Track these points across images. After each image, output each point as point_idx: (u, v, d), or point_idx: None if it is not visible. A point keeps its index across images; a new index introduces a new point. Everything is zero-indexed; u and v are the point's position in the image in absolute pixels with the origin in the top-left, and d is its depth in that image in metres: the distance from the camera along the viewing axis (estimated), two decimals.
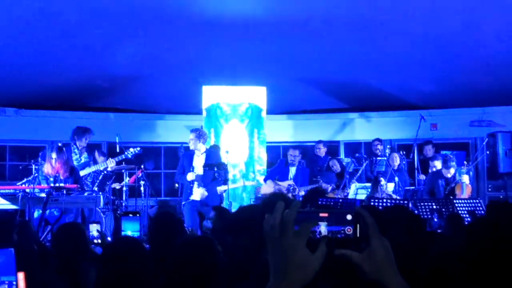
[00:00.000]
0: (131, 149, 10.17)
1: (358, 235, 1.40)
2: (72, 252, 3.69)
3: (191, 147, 9.83)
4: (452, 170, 10.51)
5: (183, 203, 9.69)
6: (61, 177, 8.82)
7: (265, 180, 11.51)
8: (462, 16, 10.65)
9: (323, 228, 1.40)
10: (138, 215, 5.38)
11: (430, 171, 11.28)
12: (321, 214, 1.41)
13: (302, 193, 10.83)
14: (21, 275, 3.25)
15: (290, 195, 10.72)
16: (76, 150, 10.10)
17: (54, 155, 8.88)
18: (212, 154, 10.05)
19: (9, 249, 3.25)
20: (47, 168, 8.88)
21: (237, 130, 12.50)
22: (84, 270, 3.63)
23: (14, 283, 3.21)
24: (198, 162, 9.75)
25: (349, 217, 1.40)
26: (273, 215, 1.39)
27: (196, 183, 9.57)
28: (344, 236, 1.40)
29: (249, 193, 11.96)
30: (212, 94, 12.63)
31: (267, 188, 11.08)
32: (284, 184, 10.95)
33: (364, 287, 1.47)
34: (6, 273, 3.21)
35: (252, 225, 3.19)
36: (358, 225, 1.40)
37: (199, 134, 9.92)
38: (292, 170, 11.17)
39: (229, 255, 3.38)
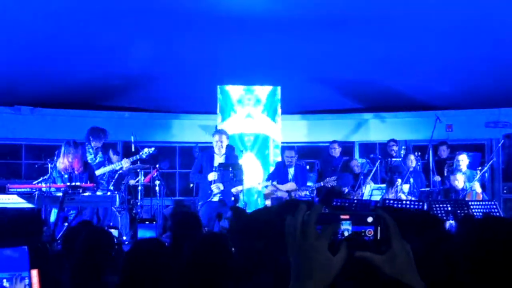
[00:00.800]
0: (146, 150, 10.18)
1: (378, 237, 1.40)
2: (97, 258, 3.70)
3: (222, 149, 9.79)
4: (460, 177, 10.30)
5: (200, 203, 9.67)
6: (76, 172, 8.85)
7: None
8: (479, 16, 10.59)
9: (346, 227, 1.41)
10: (154, 222, 5.38)
11: (445, 173, 11.22)
12: (342, 216, 1.41)
13: (305, 193, 10.85)
14: (34, 272, 3.27)
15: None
16: (91, 150, 10.11)
17: (70, 150, 8.92)
18: (232, 155, 10.07)
19: (23, 246, 3.28)
20: (61, 164, 8.91)
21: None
22: (106, 277, 3.65)
23: (28, 279, 3.23)
24: (218, 162, 9.78)
25: (370, 219, 1.41)
26: (294, 218, 1.40)
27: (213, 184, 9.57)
28: (365, 237, 1.40)
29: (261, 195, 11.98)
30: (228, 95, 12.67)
31: (267, 191, 11.08)
32: (285, 187, 10.92)
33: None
34: (19, 269, 3.24)
35: (264, 228, 3.20)
36: (379, 227, 1.40)
37: (227, 136, 10.00)
38: (291, 171, 11.14)
39: (242, 256, 3.39)
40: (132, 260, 3.21)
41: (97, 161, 10.11)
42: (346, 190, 10.96)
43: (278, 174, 11.25)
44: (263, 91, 12.72)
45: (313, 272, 1.36)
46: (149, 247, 3.26)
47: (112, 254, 4.17)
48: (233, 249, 3.34)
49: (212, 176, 9.53)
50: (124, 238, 6.98)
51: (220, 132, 10.10)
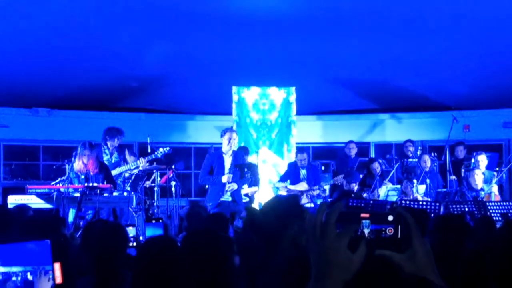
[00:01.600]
0: (161, 149, 10.22)
1: (399, 235, 1.40)
2: (111, 253, 3.73)
3: (232, 147, 9.79)
4: (479, 174, 10.24)
5: (209, 204, 9.64)
6: (91, 173, 8.92)
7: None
8: (495, 16, 10.55)
9: (366, 226, 1.41)
10: (161, 220, 5.44)
11: (462, 173, 11.16)
12: (362, 215, 1.42)
13: (317, 192, 10.87)
14: (57, 266, 3.31)
15: (305, 198, 10.75)
16: (106, 151, 10.16)
17: (85, 152, 8.98)
18: (239, 155, 10.04)
19: (46, 240, 3.31)
20: (77, 165, 8.98)
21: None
22: (121, 273, 3.68)
23: (51, 273, 3.27)
24: (228, 163, 9.77)
25: (390, 218, 1.41)
26: (315, 217, 1.41)
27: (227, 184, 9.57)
28: (385, 236, 1.41)
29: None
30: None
31: (280, 192, 11.11)
32: (296, 188, 10.93)
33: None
34: (43, 263, 3.28)
35: (269, 226, 3.22)
36: (399, 226, 1.40)
37: (237, 133, 10.02)
38: (303, 172, 11.17)
39: (251, 254, 3.41)
40: (143, 257, 3.25)
41: (113, 161, 10.16)
42: (356, 188, 10.95)
43: (290, 175, 11.27)
44: (278, 95, 12.75)
45: (332, 271, 1.37)
46: (160, 244, 3.30)
47: (127, 249, 4.22)
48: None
49: (225, 178, 9.52)
50: (141, 238, 7.02)
51: (231, 130, 10.08)
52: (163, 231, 6.13)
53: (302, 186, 10.95)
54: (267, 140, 12.63)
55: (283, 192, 11.00)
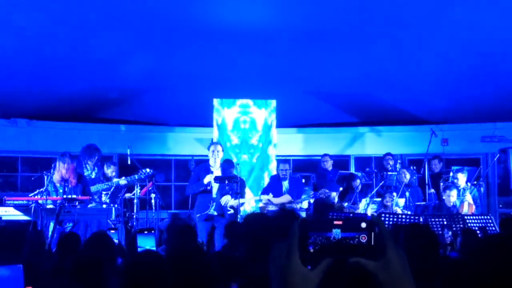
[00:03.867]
0: (144, 170, 10.18)
1: (372, 243, 1.40)
2: (99, 261, 3.70)
3: (218, 159, 9.84)
4: (454, 194, 10.33)
5: (197, 215, 9.64)
6: (70, 185, 8.87)
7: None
8: (473, 32, 10.67)
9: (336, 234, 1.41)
10: (153, 231, 5.39)
11: (441, 187, 11.23)
12: (335, 222, 1.42)
13: (300, 206, 10.84)
14: None
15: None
16: (88, 167, 10.13)
17: (65, 163, 8.94)
18: (227, 168, 10.08)
19: (18, 265, 3.26)
20: (57, 176, 8.93)
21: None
22: (109, 280, 3.65)
23: None
24: (216, 175, 9.81)
25: (363, 225, 1.41)
26: (289, 237, 1.41)
27: (213, 202, 9.59)
28: (359, 243, 1.40)
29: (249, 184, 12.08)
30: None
31: (261, 204, 11.08)
32: (279, 200, 10.91)
33: None
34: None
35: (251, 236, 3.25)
36: (372, 233, 1.40)
37: (223, 148, 10.06)
38: (285, 184, 11.14)
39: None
40: (133, 274, 3.23)
41: (93, 176, 10.11)
42: (336, 199, 10.99)
43: (272, 187, 11.24)
44: (259, 114, 12.77)
45: None
46: (150, 260, 3.27)
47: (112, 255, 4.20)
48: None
49: (208, 178, 9.55)
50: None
51: (216, 143, 10.17)
52: (155, 242, 6.07)
53: (286, 198, 10.92)
54: (247, 169, 12.57)
55: (265, 205, 10.97)
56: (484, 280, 1.91)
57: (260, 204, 11.08)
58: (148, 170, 10.15)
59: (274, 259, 1.41)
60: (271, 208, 10.79)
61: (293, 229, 1.40)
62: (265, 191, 11.29)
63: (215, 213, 9.55)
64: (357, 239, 1.39)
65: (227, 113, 12.75)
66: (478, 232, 7.96)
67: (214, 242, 9.12)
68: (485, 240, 2.12)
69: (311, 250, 1.39)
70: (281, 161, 11.55)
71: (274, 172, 12.02)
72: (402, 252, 1.42)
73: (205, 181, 9.57)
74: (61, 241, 5.43)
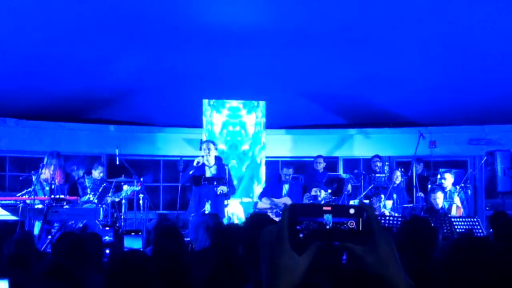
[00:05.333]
0: (130, 188, 10.25)
1: (360, 228, 1.43)
2: (81, 260, 3.71)
3: (210, 157, 9.91)
4: (440, 196, 10.38)
5: (192, 215, 9.67)
6: (57, 183, 8.87)
7: (260, 197, 11.48)
8: (463, 34, 10.73)
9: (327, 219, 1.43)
10: (140, 233, 5.40)
11: (428, 189, 11.28)
12: (324, 208, 1.43)
13: None
14: None
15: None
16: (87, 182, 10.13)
17: (53, 161, 8.94)
18: (222, 166, 10.17)
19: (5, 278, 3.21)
20: (45, 174, 8.93)
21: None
22: (90, 279, 3.65)
23: None
24: (209, 174, 9.89)
25: (352, 211, 1.42)
26: (280, 221, 1.43)
27: (208, 200, 9.64)
28: (347, 228, 1.42)
29: (246, 209, 12.00)
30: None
31: (263, 204, 11.11)
32: (280, 201, 10.96)
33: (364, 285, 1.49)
34: None
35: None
36: (360, 219, 1.43)
37: (216, 146, 10.12)
38: (286, 187, 11.20)
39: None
40: (117, 273, 3.23)
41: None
42: (323, 194, 11.01)
43: (272, 189, 11.30)
44: (249, 119, 12.78)
45: (279, 275, 1.39)
46: (135, 260, 3.28)
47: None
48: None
49: (196, 161, 9.64)
50: (108, 251, 6.96)
51: (208, 141, 10.23)
52: (142, 244, 6.05)
53: (286, 200, 10.97)
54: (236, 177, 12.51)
55: (266, 205, 11.00)
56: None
57: (260, 204, 11.13)
58: (136, 187, 10.23)
59: (264, 243, 1.43)
60: (268, 206, 10.87)
61: (283, 213, 1.43)
62: (265, 193, 11.33)
63: (208, 212, 9.57)
64: (345, 225, 1.41)
65: (216, 117, 12.73)
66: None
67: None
68: (453, 243, 2.15)
69: (301, 236, 1.41)
70: (286, 165, 11.61)
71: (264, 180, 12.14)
72: (389, 237, 1.43)
73: (195, 162, 9.68)
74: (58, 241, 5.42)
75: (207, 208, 9.63)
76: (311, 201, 10.91)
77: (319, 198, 10.93)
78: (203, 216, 9.54)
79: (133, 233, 5.39)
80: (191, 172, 9.97)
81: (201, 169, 9.93)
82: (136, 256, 3.32)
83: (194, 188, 9.91)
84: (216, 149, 10.19)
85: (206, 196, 9.70)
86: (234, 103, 12.82)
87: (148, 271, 3.20)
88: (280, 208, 10.85)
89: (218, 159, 10.50)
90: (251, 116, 12.81)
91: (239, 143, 12.77)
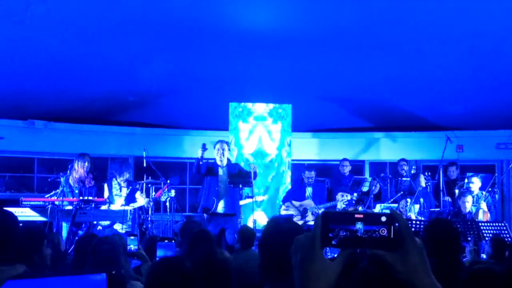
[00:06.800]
0: (166, 194, 10.31)
1: (392, 236, 1.44)
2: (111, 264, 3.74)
3: (223, 157, 9.89)
4: (470, 200, 10.32)
5: (205, 215, 9.68)
6: (86, 185, 8.97)
7: (283, 201, 11.45)
8: (490, 38, 10.64)
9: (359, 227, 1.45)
10: (173, 241, 5.39)
11: (456, 194, 11.20)
12: (356, 216, 1.45)
13: (321, 211, 10.75)
14: None
15: (310, 216, 10.74)
16: (116, 185, 10.15)
17: (82, 164, 9.03)
18: (233, 166, 10.17)
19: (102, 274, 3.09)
20: (74, 177, 9.03)
21: None
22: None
23: None
24: (222, 173, 9.88)
25: (383, 218, 1.44)
26: (313, 228, 1.45)
27: (222, 199, 9.62)
28: (378, 236, 1.44)
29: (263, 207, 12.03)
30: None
31: (285, 208, 11.12)
32: (302, 204, 10.93)
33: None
34: None
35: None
36: (392, 227, 1.44)
37: (229, 147, 10.12)
38: (309, 189, 11.18)
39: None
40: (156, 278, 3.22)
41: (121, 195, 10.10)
42: (349, 197, 10.97)
43: (295, 192, 11.29)
44: (275, 128, 12.78)
45: (310, 281, 1.41)
46: (174, 268, 3.24)
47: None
48: None
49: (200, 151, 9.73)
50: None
51: (222, 141, 10.20)
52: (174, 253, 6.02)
53: (309, 203, 10.95)
54: (262, 187, 12.50)
55: (289, 210, 11.00)
56: None
57: (283, 208, 11.14)
58: (172, 193, 10.26)
59: (296, 250, 1.46)
60: (292, 211, 10.85)
61: (316, 221, 1.45)
62: (288, 196, 11.32)
63: (222, 211, 9.57)
64: (377, 232, 1.43)
65: (242, 125, 12.76)
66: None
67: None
68: None
69: (333, 243, 1.43)
70: (307, 168, 11.60)
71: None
72: (420, 244, 1.45)
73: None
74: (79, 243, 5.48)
75: (220, 208, 9.61)
76: (346, 205, 10.88)
77: (345, 201, 10.90)
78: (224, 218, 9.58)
79: (166, 240, 5.34)
80: (201, 163, 9.95)
81: (216, 167, 9.92)
82: (175, 264, 3.30)
83: (207, 185, 9.86)
84: (229, 150, 10.14)
85: (218, 194, 9.65)
86: (260, 108, 12.77)
87: (188, 278, 3.19)
88: (300, 212, 10.84)
89: (230, 161, 10.53)
90: (277, 125, 12.79)
91: (265, 152, 12.71)
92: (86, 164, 9.07)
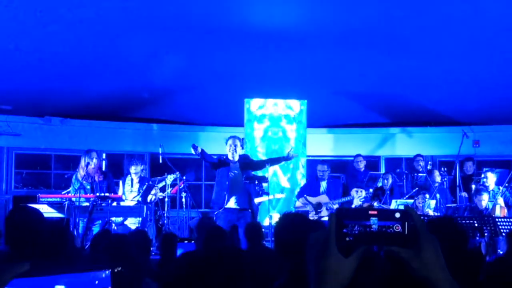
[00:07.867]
0: (171, 176, 10.30)
1: (406, 232, 1.44)
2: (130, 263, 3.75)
3: (235, 153, 9.83)
4: (486, 197, 10.26)
5: (215, 212, 9.66)
6: (96, 180, 9.02)
7: (297, 196, 11.38)
8: (507, 33, 10.56)
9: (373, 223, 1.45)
10: (193, 241, 5.40)
11: (472, 189, 11.13)
12: (370, 212, 1.45)
13: (336, 206, 10.72)
14: None
15: (325, 211, 10.70)
16: (129, 182, 10.17)
17: (89, 159, 9.09)
18: (246, 158, 10.11)
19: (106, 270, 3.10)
20: (82, 173, 9.09)
21: None
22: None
23: None
24: (234, 170, 9.82)
25: (397, 215, 1.44)
26: (328, 226, 1.46)
27: (234, 196, 9.60)
28: (393, 232, 1.44)
29: (279, 206, 12.00)
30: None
31: (299, 204, 11.08)
32: (315, 200, 10.88)
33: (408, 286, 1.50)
34: None
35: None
36: (406, 223, 1.44)
37: (241, 143, 10.03)
38: (323, 184, 11.09)
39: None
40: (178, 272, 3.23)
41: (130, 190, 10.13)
42: (364, 194, 10.91)
43: (309, 188, 11.24)
44: (291, 128, 12.77)
45: (326, 277, 1.41)
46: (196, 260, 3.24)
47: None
48: None
49: (199, 149, 9.69)
50: (151, 248, 7.06)
51: (234, 137, 10.08)
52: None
53: (323, 198, 10.88)
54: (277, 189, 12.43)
55: (301, 205, 10.96)
56: None
57: (297, 204, 11.10)
58: (175, 174, 10.25)
59: (311, 246, 1.46)
60: (308, 208, 10.80)
61: (330, 217, 1.45)
62: (302, 192, 11.26)
63: (235, 207, 9.53)
64: (391, 228, 1.43)
65: (257, 125, 12.76)
66: None
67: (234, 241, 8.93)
68: None
69: (348, 239, 1.43)
70: (319, 161, 11.54)
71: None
72: (435, 241, 1.44)
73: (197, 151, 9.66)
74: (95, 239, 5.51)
75: (232, 204, 9.57)
76: (362, 202, 10.83)
77: (361, 198, 10.85)
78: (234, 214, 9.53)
79: (186, 241, 5.34)
80: (215, 157, 9.94)
81: (226, 163, 9.88)
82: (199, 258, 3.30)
83: (217, 180, 9.84)
84: (242, 146, 10.04)
85: (229, 189, 9.62)
86: (276, 104, 12.77)
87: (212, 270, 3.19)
88: (314, 207, 10.79)
89: (243, 156, 10.50)
90: (292, 125, 12.78)
91: (281, 151, 12.66)
92: (94, 160, 9.11)
